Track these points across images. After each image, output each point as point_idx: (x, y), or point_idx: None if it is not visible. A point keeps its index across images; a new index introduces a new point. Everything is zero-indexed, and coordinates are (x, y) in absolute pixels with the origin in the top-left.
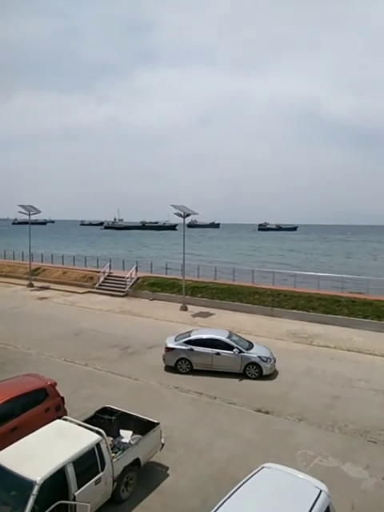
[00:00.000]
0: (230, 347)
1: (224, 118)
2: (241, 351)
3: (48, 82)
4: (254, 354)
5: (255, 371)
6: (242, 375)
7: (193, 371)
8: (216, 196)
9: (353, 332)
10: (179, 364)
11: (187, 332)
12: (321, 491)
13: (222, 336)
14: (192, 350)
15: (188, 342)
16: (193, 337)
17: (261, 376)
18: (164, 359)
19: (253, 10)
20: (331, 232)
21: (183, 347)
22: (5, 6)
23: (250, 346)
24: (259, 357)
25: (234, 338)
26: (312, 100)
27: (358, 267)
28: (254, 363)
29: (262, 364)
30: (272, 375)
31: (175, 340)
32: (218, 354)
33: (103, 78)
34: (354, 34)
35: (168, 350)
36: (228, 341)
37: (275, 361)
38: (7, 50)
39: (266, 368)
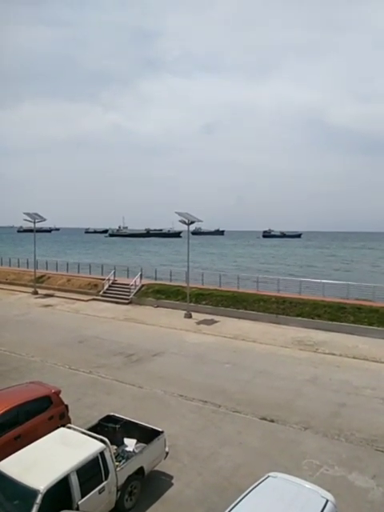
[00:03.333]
0: None
1: (229, 126)
2: None
3: (53, 91)
4: None
5: None
6: None
7: None
8: (221, 203)
9: (358, 339)
10: None
11: None
12: (327, 501)
13: None
14: None
15: None
16: None
17: None
18: None
19: (257, 16)
20: (336, 239)
21: None
22: (10, 15)
23: None
24: None
25: None
26: (317, 107)
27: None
28: None
29: None
30: None
31: None
32: None
33: (108, 86)
34: (361, 40)
35: None
36: None
37: None
38: (13, 58)
39: None
